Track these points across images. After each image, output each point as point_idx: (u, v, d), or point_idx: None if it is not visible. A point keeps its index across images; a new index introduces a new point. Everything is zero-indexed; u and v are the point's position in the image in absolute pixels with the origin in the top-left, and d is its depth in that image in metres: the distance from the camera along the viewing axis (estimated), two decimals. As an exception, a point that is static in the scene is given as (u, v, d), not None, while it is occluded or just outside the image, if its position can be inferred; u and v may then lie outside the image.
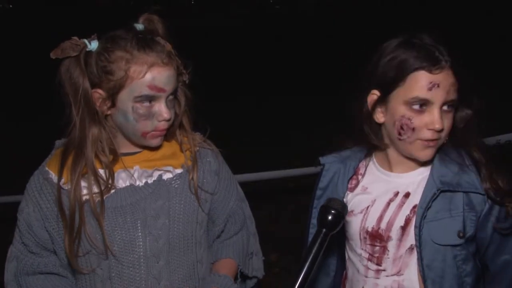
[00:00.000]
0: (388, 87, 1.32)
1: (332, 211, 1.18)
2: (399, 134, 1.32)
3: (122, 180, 1.39)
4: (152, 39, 1.33)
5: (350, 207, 1.43)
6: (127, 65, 1.29)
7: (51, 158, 1.42)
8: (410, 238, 1.34)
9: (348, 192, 1.47)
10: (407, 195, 1.37)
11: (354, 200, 1.45)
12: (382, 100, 1.34)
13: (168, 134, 1.43)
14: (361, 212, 1.42)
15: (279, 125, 6.16)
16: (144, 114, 1.33)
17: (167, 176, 1.42)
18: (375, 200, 1.41)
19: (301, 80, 8.29)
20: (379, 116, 1.37)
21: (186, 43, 1.53)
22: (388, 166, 1.42)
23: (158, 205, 1.39)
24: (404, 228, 1.35)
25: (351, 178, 1.48)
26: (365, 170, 1.47)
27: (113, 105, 1.33)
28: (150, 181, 1.40)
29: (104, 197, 1.35)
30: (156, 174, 1.41)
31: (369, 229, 1.40)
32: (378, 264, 1.40)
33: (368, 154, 1.48)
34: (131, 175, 1.39)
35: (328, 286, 1.60)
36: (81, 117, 1.32)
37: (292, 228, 3.61)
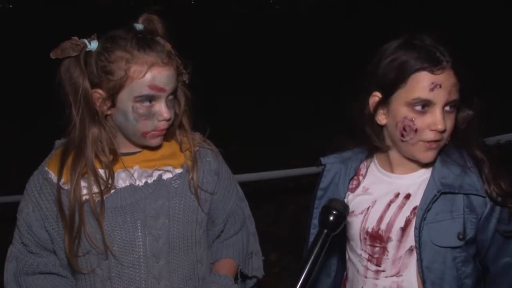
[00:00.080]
0: (389, 88, 1.31)
1: (334, 212, 1.18)
2: (402, 135, 1.32)
3: (122, 180, 1.39)
4: (152, 39, 1.33)
5: (351, 207, 1.42)
6: (127, 65, 1.29)
7: (50, 158, 1.42)
8: (410, 240, 1.34)
9: (349, 192, 1.47)
10: (407, 196, 1.37)
11: (355, 201, 1.45)
12: (384, 102, 1.34)
13: (168, 134, 1.43)
14: (361, 213, 1.42)
15: (279, 125, 6.16)
16: (144, 114, 1.33)
17: (167, 176, 1.42)
18: (375, 201, 1.41)
19: (301, 80, 8.28)
20: (381, 118, 1.37)
21: (186, 43, 1.53)
22: (390, 167, 1.42)
23: (158, 205, 1.39)
24: (404, 229, 1.35)
25: (352, 178, 1.48)
26: (366, 171, 1.47)
27: (113, 105, 1.33)
28: (150, 181, 1.40)
29: (104, 197, 1.35)
30: (156, 174, 1.41)
31: (369, 230, 1.40)
32: (378, 264, 1.40)
33: (369, 155, 1.47)
34: (131, 175, 1.39)
35: (328, 287, 1.60)
36: (81, 117, 1.32)
37: (292, 228, 3.62)
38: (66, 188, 1.34)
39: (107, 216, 1.35)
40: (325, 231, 1.17)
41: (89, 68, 1.32)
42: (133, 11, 1.39)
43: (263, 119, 6.53)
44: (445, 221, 1.31)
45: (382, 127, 1.39)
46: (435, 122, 1.27)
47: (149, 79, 1.30)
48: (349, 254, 1.49)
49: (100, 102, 1.33)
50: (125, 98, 1.31)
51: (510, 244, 1.35)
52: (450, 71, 1.27)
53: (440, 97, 1.26)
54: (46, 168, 1.39)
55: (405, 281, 1.36)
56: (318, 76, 8.20)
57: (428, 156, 1.32)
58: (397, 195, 1.39)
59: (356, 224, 1.43)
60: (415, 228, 1.32)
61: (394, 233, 1.36)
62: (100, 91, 1.32)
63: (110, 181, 1.36)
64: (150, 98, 1.32)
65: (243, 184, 1.69)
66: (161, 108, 1.34)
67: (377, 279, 1.40)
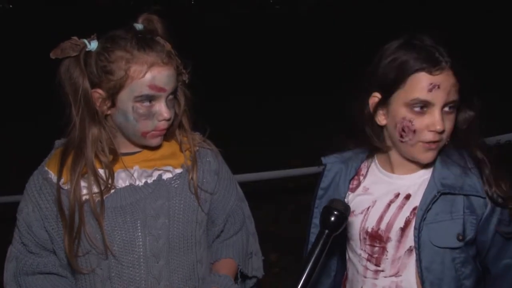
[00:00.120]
0: (389, 89, 1.31)
1: (335, 212, 1.17)
2: (401, 136, 1.32)
3: (122, 180, 1.39)
4: (152, 39, 1.33)
5: (351, 207, 1.42)
6: (127, 65, 1.29)
7: (50, 158, 1.42)
8: (409, 240, 1.34)
9: (349, 192, 1.47)
10: (407, 196, 1.37)
11: (355, 201, 1.45)
12: (384, 103, 1.34)
13: (168, 134, 1.43)
14: (361, 213, 1.42)
15: (279, 125, 6.16)
16: (144, 114, 1.33)
17: (166, 176, 1.42)
18: (375, 201, 1.41)
19: (301, 80, 8.28)
20: (381, 119, 1.37)
21: (186, 43, 1.53)
22: (390, 167, 1.42)
23: (158, 205, 1.39)
24: (403, 230, 1.35)
25: (352, 178, 1.48)
26: (367, 171, 1.47)
27: (113, 105, 1.33)
28: (150, 181, 1.40)
29: (104, 197, 1.35)
30: (155, 174, 1.41)
31: (369, 230, 1.40)
32: (377, 264, 1.40)
33: (370, 155, 1.47)
34: (131, 175, 1.39)
35: (328, 287, 1.60)
36: (81, 117, 1.32)
37: (292, 228, 3.61)
38: (66, 188, 1.34)
39: (107, 216, 1.35)
40: (326, 231, 1.17)
41: (89, 68, 1.32)
42: (133, 11, 1.39)
43: (263, 119, 6.53)
44: (445, 222, 1.31)
45: (382, 127, 1.39)
46: (433, 123, 1.27)
47: (149, 79, 1.30)
48: (349, 254, 1.49)
49: (100, 102, 1.33)
50: (125, 98, 1.31)
51: (511, 246, 1.35)
52: (449, 71, 1.27)
53: (438, 98, 1.26)
54: (46, 168, 1.39)
55: (404, 281, 1.36)
56: (318, 76, 8.20)
57: (428, 156, 1.32)
58: (397, 195, 1.39)
59: (356, 224, 1.43)
60: (415, 228, 1.32)
61: (394, 233, 1.36)
62: (100, 91, 1.32)
63: (110, 181, 1.36)
64: (150, 98, 1.32)
65: (243, 184, 1.69)
66: (161, 108, 1.33)
67: (376, 279, 1.40)
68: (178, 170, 1.43)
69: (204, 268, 1.48)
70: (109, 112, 1.35)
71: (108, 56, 1.30)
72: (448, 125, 1.30)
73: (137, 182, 1.39)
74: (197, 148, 1.48)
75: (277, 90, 7.69)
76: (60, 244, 1.37)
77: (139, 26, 1.36)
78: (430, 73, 1.26)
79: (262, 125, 6.24)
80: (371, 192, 1.44)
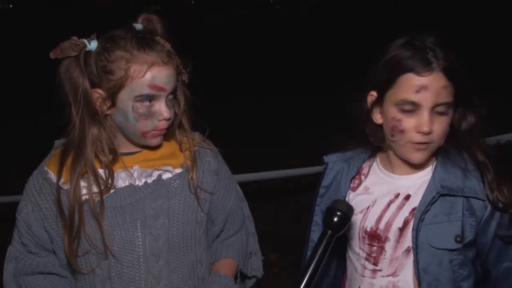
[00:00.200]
0: (382, 88, 1.32)
1: (338, 213, 1.17)
2: (391, 135, 1.33)
3: (121, 180, 1.38)
4: (152, 39, 1.33)
5: (351, 206, 1.43)
6: (127, 65, 1.29)
7: (50, 158, 1.42)
8: (407, 240, 1.34)
9: (350, 191, 1.47)
10: (407, 197, 1.37)
11: (355, 200, 1.45)
12: (379, 101, 1.34)
13: (168, 134, 1.43)
14: (361, 212, 1.42)
15: (279, 125, 6.16)
16: (144, 114, 1.33)
17: (166, 175, 1.42)
18: (376, 200, 1.41)
19: (301, 80, 8.29)
20: (378, 117, 1.37)
21: (186, 43, 1.53)
22: (390, 167, 1.42)
23: (157, 204, 1.39)
24: (402, 230, 1.35)
25: (353, 177, 1.48)
26: (369, 171, 1.47)
27: (113, 104, 1.33)
28: (149, 180, 1.40)
29: (104, 197, 1.35)
30: (155, 174, 1.41)
31: (368, 229, 1.40)
32: (375, 264, 1.40)
33: (372, 155, 1.47)
34: (130, 175, 1.39)
35: (328, 286, 1.60)
36: (81, 117, 1.32)
37: (292, 228, 3.61)
38: (65, 188, 1.34)
39: (106, 216, 1.35)
40: (329, 232, 1.17)
41: (88, 68, 1.32)
42: (133, 11, 1.39)
43: (263, 119, 6.53)
44: (443, 223, 1.31)
45: (380, 126, 1.39)
46: (421, 124, 1.27)
47: (149, 78, 1.30)
48: (349, 252, 1.49)
49: (100, 102, 1.33)
50: (125, 97, 1.31)
51: (511, 249, 1.34)
52: (440, 73, 1.26)
53: (427, 99, 1.26)
54: (46, 168, 1.39)
55: (401, 281, 1.36)
56: (318, 76, 8.20)
57: (418, 156, 1.32)
58: (397, 195, 1.39)
59: (355, 223, 1.43)
60: (413, 229, 1.32)
61: (392, 233, 1.36)
62: (100, 91, 1.32)
63: (109, 181, 1.36)
64: (150, 98, 1.32)
65: (243, 184, 1.69)
66: (161, 108, 1.34)
67: (373, 278, 1.40)
68: (178, 170, 1.43)
69: (204, 268, 1.48)
70: (109, 112, 1.35)
71: (108, 56, 1.30)
72: (439, 127, 1.29)
73: (137, 182, 1.39)
74: (197, 148, 1.48)
75: (277, 90, 7.69)
76: (60, 244, 1.37)
77: (139, 26, 1.36)
78: (418, 74, 1.25)
79: (262, 125, 6.24)
80: (372, 191, 1.44)
